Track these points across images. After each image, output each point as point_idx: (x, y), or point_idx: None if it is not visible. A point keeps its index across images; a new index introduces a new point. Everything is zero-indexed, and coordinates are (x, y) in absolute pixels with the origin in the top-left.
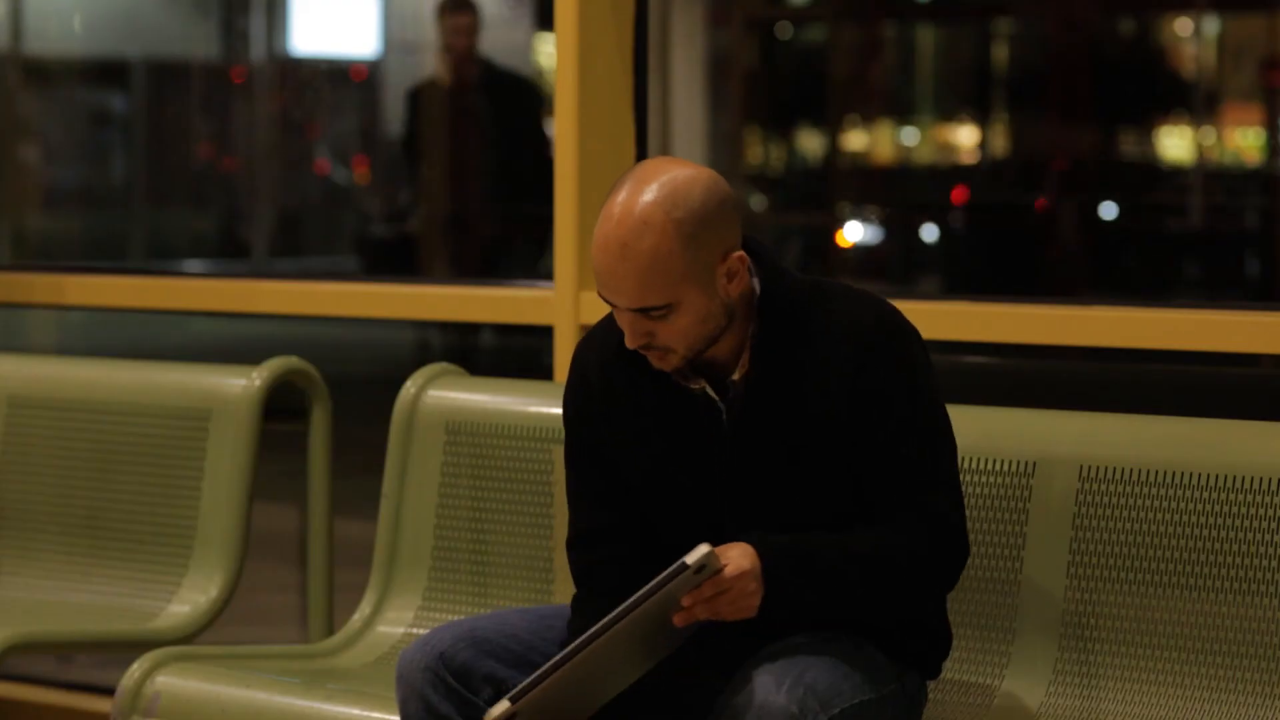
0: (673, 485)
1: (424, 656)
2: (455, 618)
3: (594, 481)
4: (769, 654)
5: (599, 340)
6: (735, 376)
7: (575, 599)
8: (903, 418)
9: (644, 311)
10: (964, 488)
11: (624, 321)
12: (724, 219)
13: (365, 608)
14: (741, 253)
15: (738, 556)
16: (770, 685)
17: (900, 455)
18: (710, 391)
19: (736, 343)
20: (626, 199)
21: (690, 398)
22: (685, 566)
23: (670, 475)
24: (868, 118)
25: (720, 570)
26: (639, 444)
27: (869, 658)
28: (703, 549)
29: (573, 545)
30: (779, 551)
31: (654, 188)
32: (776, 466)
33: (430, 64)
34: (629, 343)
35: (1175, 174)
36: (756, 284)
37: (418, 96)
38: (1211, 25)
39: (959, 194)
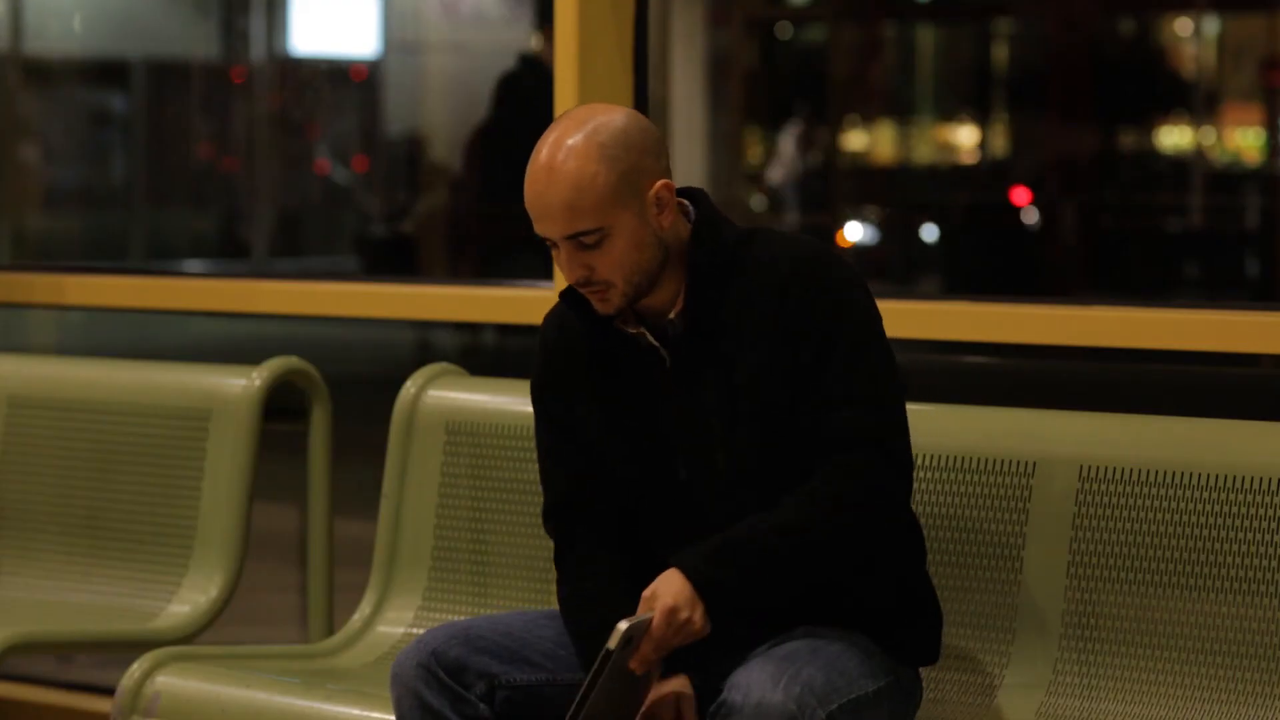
0: (626, 434)
1: (417, 654)
2: (455, 618)
3: (562, 448)
4: (764, 654)
5: (555, 311)
6: (671, 316)
7: (562, 567)
8: (826, 340)
9: (577, 239)
10: (962, 487)
11: (562, 258)
12: (648, 148)
13: (365, 608)
14: (668, 181)
15: (664, 591)
16: (767, 684)
17: (825, 381)
18: (650, 337)
19: (673, 287)
20: (551, 131)
21: (635, 347)
22: (610, 653)
23: (622, 424)
24: (868, 118)
25: (649, 623)
26: (592, 399)
27: (864, 653)
28: (620, 627)
29: (549, 515)
30: (704, 562)
31: (577, 121)
32: (720, 404)
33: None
34: (568, 277)
35: (1175, 174)
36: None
37: (512, 83)
38: (1211, 25)
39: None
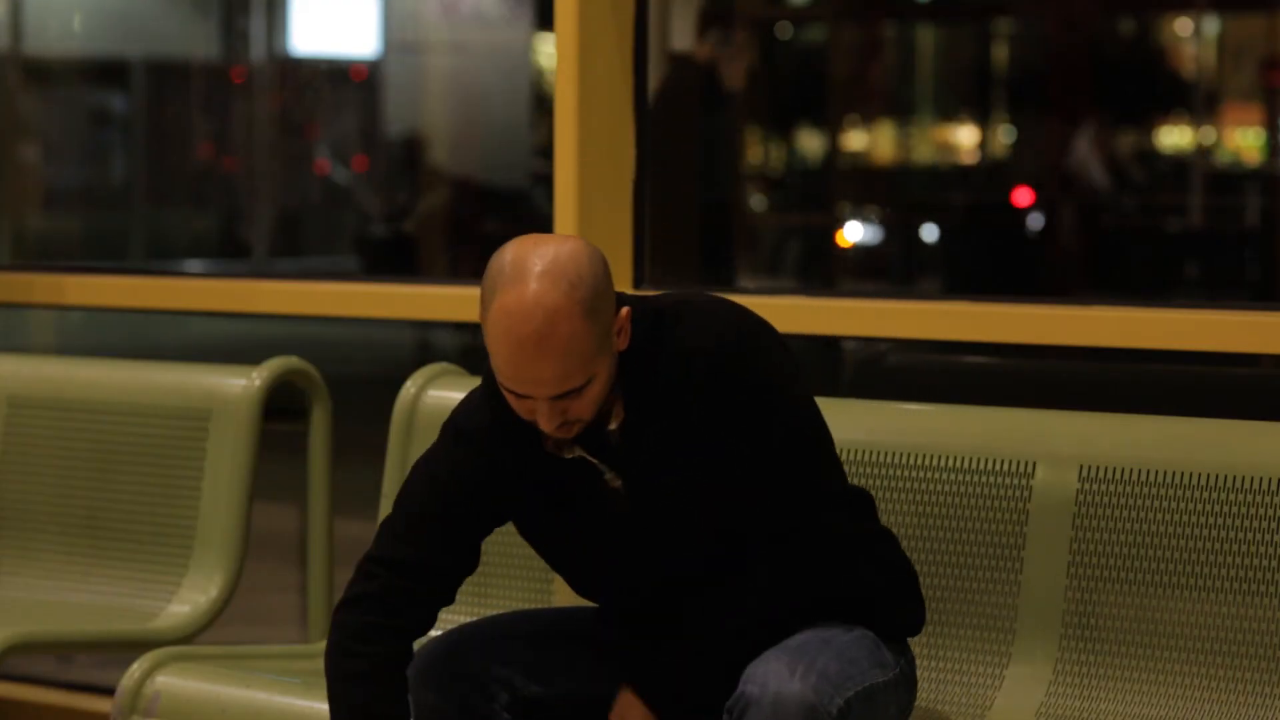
0: (574, 551)
1: (427, 661)
2: (455, 618)
3: (436, 530)
4: (777, 648)
5: (479, 413)
6: (611, 426)
7: (362, 612)
8: (749, 438)
9: (562, 396)
10: (962, 487)
11: (540, 409)
12: (609, 282)
13: None
14: (627, 309)
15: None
16: (784, 674)
17: (762, 477)
18: (588, 458)
19: (609, 399)
20: (523, 292)
21: (570, 465)
22: None
23: (559, 533)
24: (868, 118)
25: None
26: (524, 510)
27: (872, 644)
28: None
29: (379, 562)
30: (656, 687)
31: (544, 274)
32: (669, 508)
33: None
34: (547, 426)
35: (1175, 174)
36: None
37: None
38: (1211, 25)
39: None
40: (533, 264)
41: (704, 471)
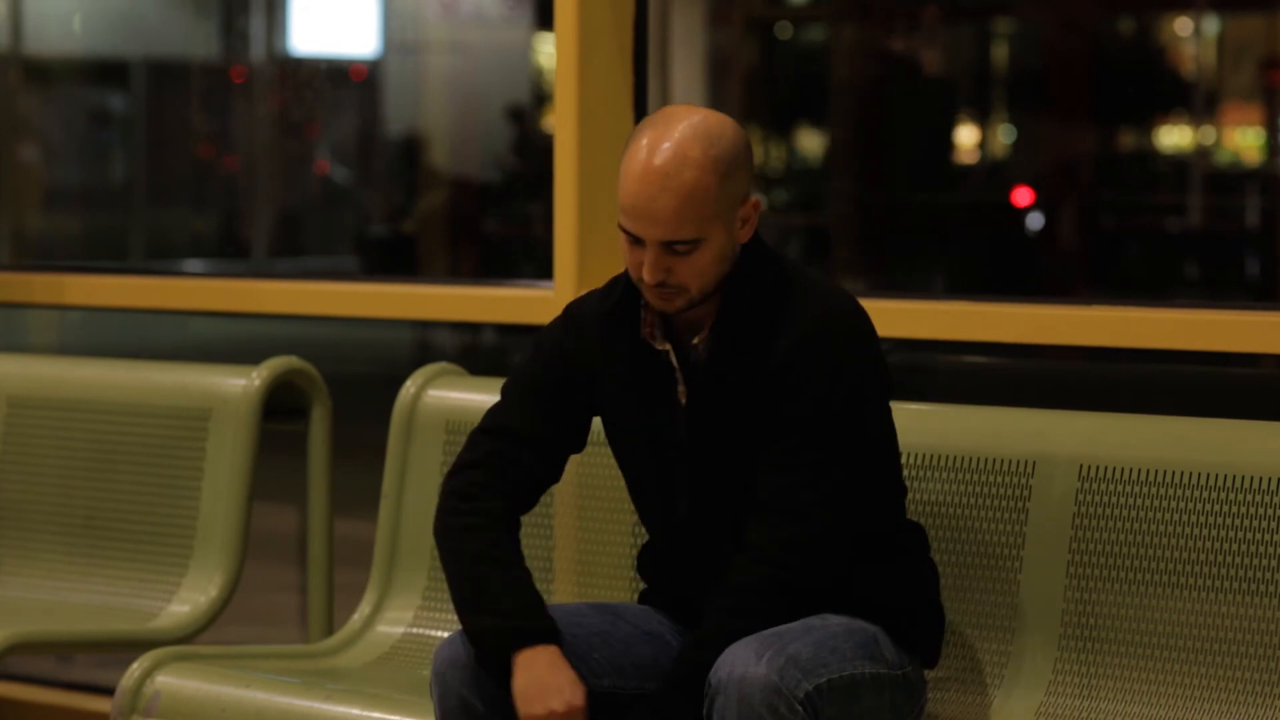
0: (635, 438)
1: (462, 654)
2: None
3: (541, 400)
4: (753, 635)
5: (596, 298)
6: (695, 341)
7: (466, 476)
8: (804, 416)
9: (671, 245)
10: (962, 487)
11: (648, 256)
12: (748, 162)
13: (365, 608)
14: (758, 200)
15: None
16: (750, 657)
17: (788, 453)
18: (673, 359)
19: (708, 306)
20: (661, 135)
21: (657, 363)
22: None
23: (631, 430)
24: None
25: None
26: (608, 397)
27: (868, 639)
28: None
29: (487, 431)
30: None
31: (687, 126)
32: (723, 435)
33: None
34: (649, 276)
35: (1175, 173)
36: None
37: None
38: (1211, 25)
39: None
40: (681, 115)
41: (758, 425)
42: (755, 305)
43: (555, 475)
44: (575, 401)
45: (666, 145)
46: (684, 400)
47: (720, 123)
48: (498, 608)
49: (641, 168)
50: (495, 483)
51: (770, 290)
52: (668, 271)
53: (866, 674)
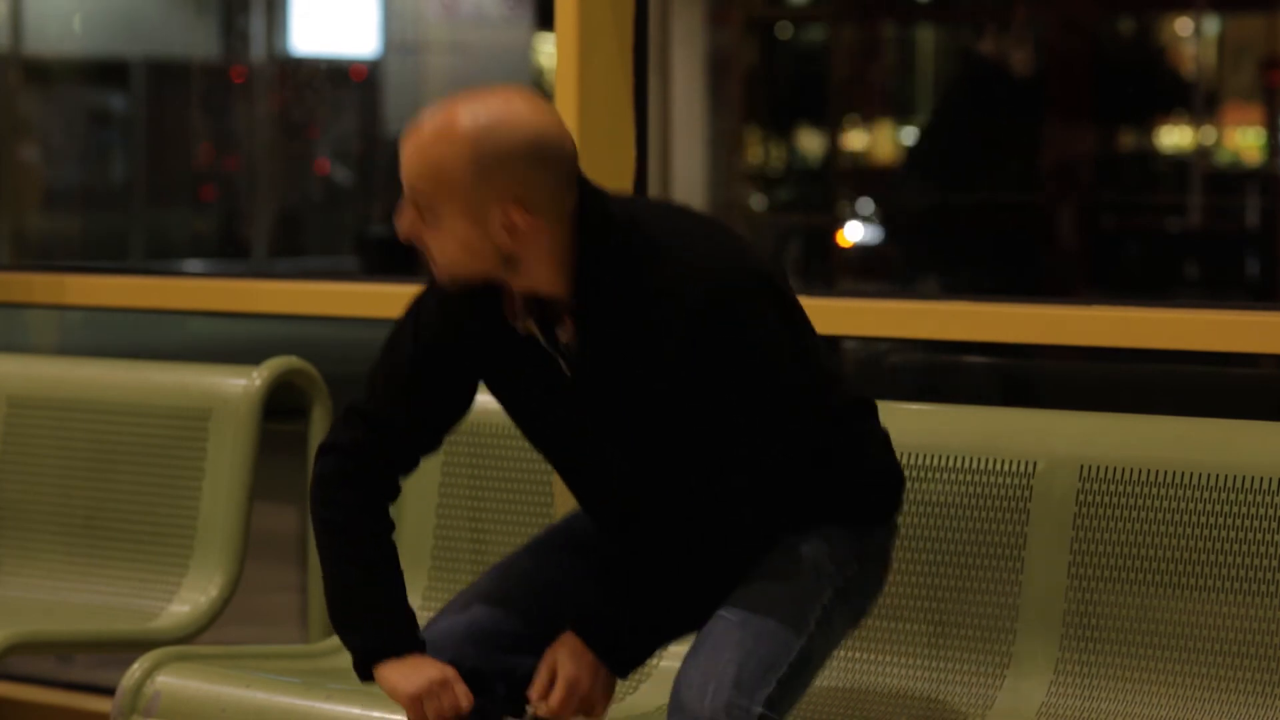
0: (535, 423)
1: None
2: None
3: (407, 383)
4: (696, 646)
5: (434, 292)
6: (563, 339)
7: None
8: (730, 372)
9: (414, 201)
10: (962, 487)
11: (404, 207)
12: (531, 173)
13: None
14: (529, 218)
15: (561, 669)
16: (694, 697)
17: (720, 410)
18: (543, 342)
19: (562, 286)
20: (463, 99)
21: (532, 343)
22: None
23: (530, 414)
24: (868, 118)
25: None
26: (495, 384)
27: (805, 576)
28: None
29: (357, 413)
30: (601, 630)
31: (490, 107)
32: (619, 415)
33: (430, 64)
34: (398, 224)
35: (1175, 173)
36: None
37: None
38: (1211, 25)
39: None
40: (503, 102)
41: (656, 400)
42: (612, 297)
43: (435, 445)
44: (447, 375)
45: (452, 107)
46: (570, 374)
47: (525, 124)
48: (362, 623)
49: (426, 114)
50: (362, 473)
51: (626, 272)
52: (416, 230)
53: (806, 644)
